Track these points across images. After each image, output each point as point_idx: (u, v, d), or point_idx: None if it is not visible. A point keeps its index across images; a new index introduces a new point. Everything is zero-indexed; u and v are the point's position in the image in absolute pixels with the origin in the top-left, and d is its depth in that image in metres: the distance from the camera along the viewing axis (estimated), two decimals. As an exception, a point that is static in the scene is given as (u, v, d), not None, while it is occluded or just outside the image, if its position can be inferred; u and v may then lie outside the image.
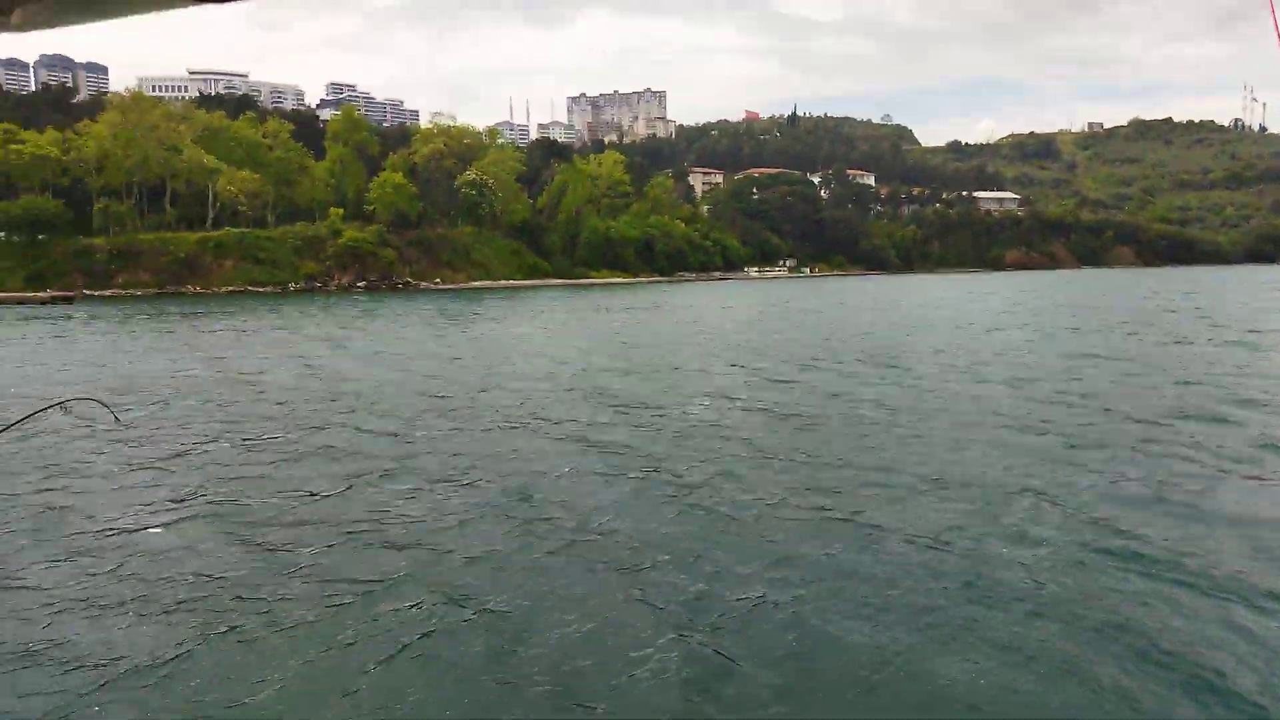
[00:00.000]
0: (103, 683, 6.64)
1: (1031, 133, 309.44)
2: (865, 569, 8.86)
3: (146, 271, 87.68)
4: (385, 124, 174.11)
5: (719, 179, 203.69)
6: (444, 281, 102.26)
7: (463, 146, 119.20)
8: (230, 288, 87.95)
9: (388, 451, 14.63)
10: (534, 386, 22.10)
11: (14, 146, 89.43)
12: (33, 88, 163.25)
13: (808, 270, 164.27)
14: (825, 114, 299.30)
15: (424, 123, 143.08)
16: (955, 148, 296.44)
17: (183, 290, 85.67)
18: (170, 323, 48.59)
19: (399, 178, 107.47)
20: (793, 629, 7.52)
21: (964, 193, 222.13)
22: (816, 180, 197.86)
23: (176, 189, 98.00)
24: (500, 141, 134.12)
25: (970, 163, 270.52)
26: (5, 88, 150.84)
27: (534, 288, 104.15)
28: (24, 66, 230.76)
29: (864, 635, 7.38)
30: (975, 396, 19.59)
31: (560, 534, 10.10)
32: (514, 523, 10.55)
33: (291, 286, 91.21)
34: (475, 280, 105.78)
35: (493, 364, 27.54)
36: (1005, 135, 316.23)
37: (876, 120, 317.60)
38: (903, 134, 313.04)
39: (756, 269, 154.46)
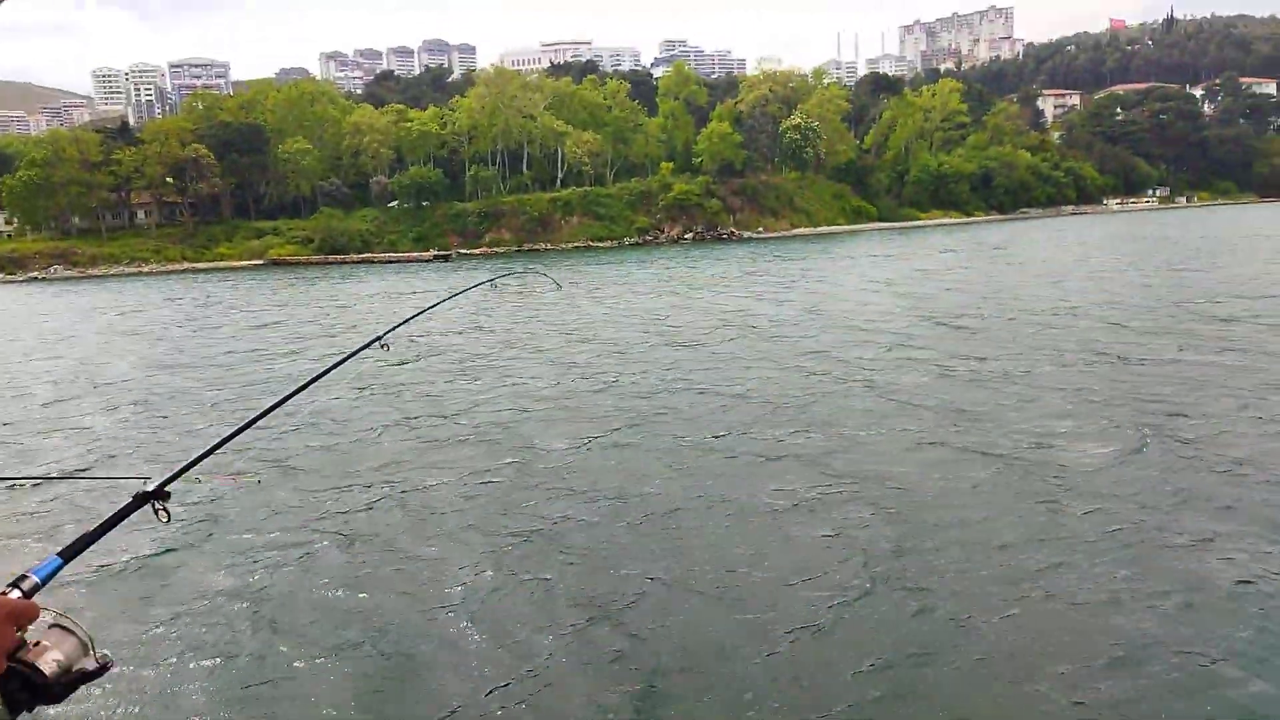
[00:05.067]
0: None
1: None
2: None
3: (508, 230, 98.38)
4: (714, 75, 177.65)
5: (1075, 100, 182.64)
6: (766, 230, 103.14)
7: (788, 90, 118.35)
8: (575, 243, 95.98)
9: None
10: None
11: (404, 125, 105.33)
12: (417, 70, 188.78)
13: (1184, 200, 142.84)
14: (1212, 14, 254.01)
15: (750, 70, 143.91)
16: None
17: (535, 247, 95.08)
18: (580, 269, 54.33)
19: (725, 127, 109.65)
20: None
21: None
22: (1198, 94, 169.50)
23: (532, 153, 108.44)
24: (826, 81, 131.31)
25: None
26: (396, 73, 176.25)
27: (852, 234, 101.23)
28: (409, 52, 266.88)
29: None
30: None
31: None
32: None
33: (626, 240, 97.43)
34: (797, 227, 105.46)
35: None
36: None
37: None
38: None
39: (1118, 200, 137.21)
